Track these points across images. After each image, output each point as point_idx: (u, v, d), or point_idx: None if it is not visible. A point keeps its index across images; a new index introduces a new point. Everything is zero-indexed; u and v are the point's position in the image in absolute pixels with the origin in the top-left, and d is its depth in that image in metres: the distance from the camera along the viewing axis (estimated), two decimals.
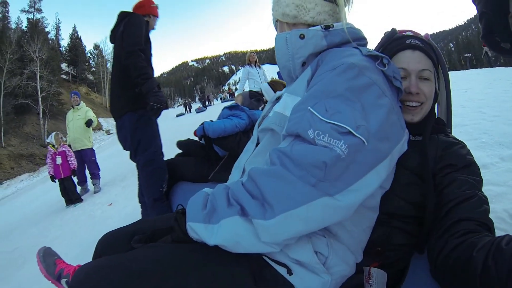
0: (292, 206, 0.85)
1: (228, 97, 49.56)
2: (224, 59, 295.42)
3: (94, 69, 55.32)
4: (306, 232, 0.90)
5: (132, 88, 2.78)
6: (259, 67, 7.67)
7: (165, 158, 2.99)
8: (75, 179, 6.97)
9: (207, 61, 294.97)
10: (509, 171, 2.82)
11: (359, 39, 1.20)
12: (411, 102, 1.29)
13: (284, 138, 1.02)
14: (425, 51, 1.30)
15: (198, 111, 31.86)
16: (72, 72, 49.98)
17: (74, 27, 56.23)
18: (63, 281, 1.70)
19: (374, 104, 0.95)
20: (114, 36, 3.00)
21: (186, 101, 50.77)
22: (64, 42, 54.53)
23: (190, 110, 38.59)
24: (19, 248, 4.83)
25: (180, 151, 3.10)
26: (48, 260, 1.78)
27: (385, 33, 1.47)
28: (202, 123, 2.83)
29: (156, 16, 3.26)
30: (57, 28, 51.51)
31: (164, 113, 3.04)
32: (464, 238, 0.94)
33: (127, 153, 3.11)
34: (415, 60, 1.29)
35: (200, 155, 2.94)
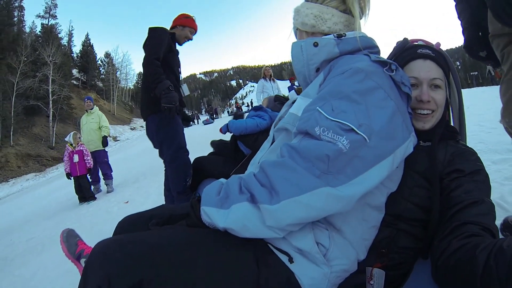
0: (297, 193, 0.92)
1: (236, 110, 50.10)
2: (232, 73, 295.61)
3: (103, 76, 55.96)
4: (307, 219, 0.96)
5: (151, 91, 3.10)
6: (273, 81, 8.46)
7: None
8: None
9: (215, 74, 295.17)
10: (498, 171, 3.15)
11: (371, 47, 1.26)
12: (423, 110, 1.33)
13: (295, 136, 1.10)
14: (436, 60, 1.34)
15: (206, 122, 32.37)
16: (83, 78, 50.61)
17: (87, 35, 56.97)
18: (82, 260, 1.80)
19: (378, 106, 1.01)
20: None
21: (193, 113, 51.25)
22: (76, 48, 54.95)
23: (198, 122, 38.93)
24: (35, 238, 5.00)
25: (213, 150, 3.45)
26: (70, 240, 1.87)
27: (397, 43, 1.52)
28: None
29: (185, 26, 3.53)
30: (70, 35, 52.33)
31: None
32: (467, 240, 0.95)
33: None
34: (426, 69, 1.33)
35: (229, 155, 3.23)
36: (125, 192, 6.92)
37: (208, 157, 3.35)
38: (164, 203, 3.36)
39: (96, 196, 7.13)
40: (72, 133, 7.14)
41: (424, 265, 1.16)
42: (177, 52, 3.55)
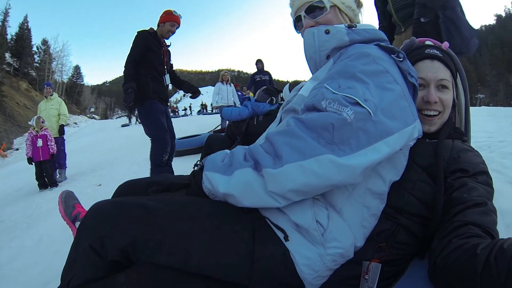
0: (300, 158, 0.93)
1: (172, 114, 50.01)
2: None
3: (38, 65, 51.64)
4: (309, 186, 0.95)
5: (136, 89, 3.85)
6: (230, 85, 9.40)
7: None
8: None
9: None
10: None
11: (380, 40, 1.28)
12: (429, 111, 1.35)
13: (302, 112, 1.12)
14: (443, 61, 1.37)
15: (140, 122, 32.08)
16: (15, 64, 46.20)
17: (26, 17, 52.22)
18: (77, 223, 1.81)
19: (384, 87, 1.04)
20: None
21: (128, 114, 50.38)
22: (12, 30, 50.45)
23: (137, 121, 38.21)
24: (5, 221, 4.90)
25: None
26: (68, 202, 1.89)
27: (404, 42, 1.54)
28: None
29: (164, 22, 4.15)
30: (6, 13, 47.14)
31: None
32: (468, 240, 0.94)
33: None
34: (434, 69, 1.35)
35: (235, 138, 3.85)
36: (90, 178, 6.93)
37: (217, 137, 3.89)
38: None
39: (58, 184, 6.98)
40: (35, 117, 6.95)
41: (418, 266, 1.17)
42: (168, 47, 4.34)
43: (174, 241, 0.96)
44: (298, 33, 1.47)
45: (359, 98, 0.97)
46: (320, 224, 1.04)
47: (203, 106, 55.87)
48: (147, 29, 4.14)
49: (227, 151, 1.15)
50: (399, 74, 1.12)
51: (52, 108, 7.55)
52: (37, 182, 6.73)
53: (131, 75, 3.84)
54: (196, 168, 1.21)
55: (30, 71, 49.16)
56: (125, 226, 0.96)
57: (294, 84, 3.28)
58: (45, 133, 6.85)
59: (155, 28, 4.20)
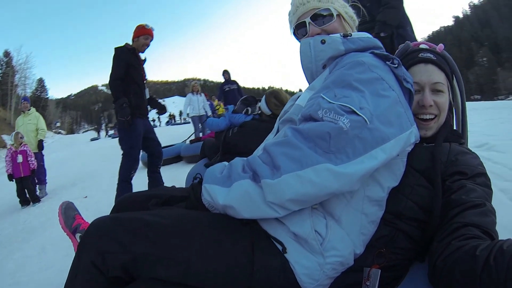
0: (298, 168, 0.94)
1: None
2: None
3: (0, 78, 49.59)
4: (307, 196, 0.96)
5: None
6: (200, 95, 9.74)
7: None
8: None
9: None
10: None
11: (375, 48, 1.31)
12: (425, 115, 1.35)
13: (300, 123, 1.14)
14: (437, 64, 1.37)
15: (114, 136, 31.78)
16: None
17: None
18: (78, 235, 1.82)
19: (379, 94, 1.05)
20: None
21: (107, 125, 49.45)
22: None
23: (106, 135, 37.87)
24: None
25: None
26: (68, 213, 1.88)
27: (399, 47, 1.55)
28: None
29: (138, 36, 4.35)
30: None
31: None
32: (467, 242, 0.94)
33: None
34: (428, 73, 1.36)
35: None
36: (73, 191, 6.94)
37: (212, 141, 4.08)
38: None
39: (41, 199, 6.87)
40: (14, 132, 6.86)
41: (419, 269, 1.19)
42: (143, 61, 4.49)
43: (173, 255, 0.98)
44: (297, 40, 1.46)
45: (354, 107, 0.99)
46: (319, 234, 1.05)
47: (171, 117, 55.58)
48: (122, 45, 4.29)
49: (226, 163, 1.16)
50: (394, 81, 1.13)
51: (30, 123, 7.44)
52: (19, 199, 6.59)
53: (120, 91, 4.05)
54: (195, 181, 1.23)
55: None
56: (126, 241, 0.97)
57: (271, 94, 3.41)
58: (25, 148, 6.75)
59: (130, 43, 4.36)
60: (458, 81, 1.49)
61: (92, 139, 30.97)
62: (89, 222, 1.66)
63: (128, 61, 4.16)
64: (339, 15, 1.39)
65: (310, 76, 1.37)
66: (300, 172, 0.94)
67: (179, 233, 1.01)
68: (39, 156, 7.43)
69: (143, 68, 4.48)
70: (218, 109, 12.09)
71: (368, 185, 1.13)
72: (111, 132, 40.66)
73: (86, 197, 6.16)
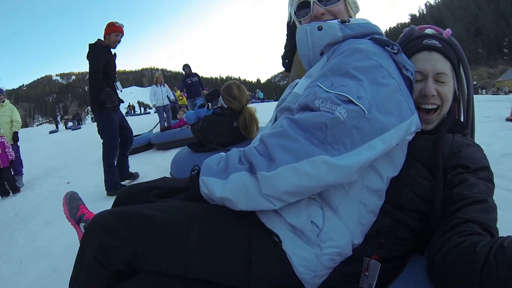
0: (294, 160, 0.93)
1: None
2: None
3: None
4: (303, 188, 0.96)
5: (96, 97, 4.62)
6: (163, 85, 10.29)
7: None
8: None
9: (73, 77, 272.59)
10: None
11: (375, 33, 1.25)
12: (427, 105, 1.31)
13: (297, 112, 1.11)
14: (442, 51, 1.31)
15: (74, 128, 31.63)
16: None
17: None
18: (82, 225, 1.83)
19: (378, 82, 1.02)
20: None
21: (64, 117, 47.98)
22: None
23: (66, 127, 36.94)
24: None
25: None
26: (73, 203, 1.89)
27: (404, 31, 1.50)
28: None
29: (109, 33, 4.81)
30: None
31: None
32: (467, 238, 0.94)
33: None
34: (432, 61, 1.30)
35: None
36: (51, 180, 7.15)
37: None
38: None
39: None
40: None
41: (417, 262, 1.16)
42: (114, 56, 4.98)
43: (173, 248, 0.99)
44: (298, 20, 1.44)
45: (352, 96, 0.96)
46: (316, 225, 1.05)
47: (130, 107, 54.60)
48: (95, 42, 4.79)
49: (223, 154, 1.16)
50: (394, 68, 1.10)
51: (5, 115, 7.46)
52: None
53: (103, 83, 4.56)
54: (193, 172, 1.23)
55: None
56: (127, 236, 0.99)
57: (224, 90, 3.67)
58: (2, 140, 6.84)
59: (102, 39, 4.83)
60: (465, 70, 1.43)
61: (51, 132, 30.03)
62: (92, 212, 1.77)
63: (105, 58, 4.69)
64: None
65: (308, 63, 1.36)
66: (296, 164, 0.93)
67: (178, 227, 1.02)
68: (15, 148, 7.47)
69: (115, 63, 5.02)
70: (180, 99, 12.71)
71: (367, 175, 1.12)
72: (70, 124, 39.79)
73: (68, 182, 6.47)
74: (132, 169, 5.62)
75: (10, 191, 6.78)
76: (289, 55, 4.77)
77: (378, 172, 1.14)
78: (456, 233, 0.98)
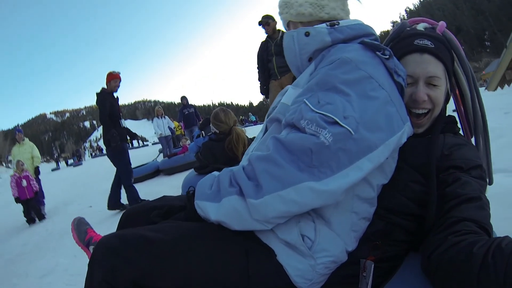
0: (279, 188, 0.94)
1: (98, 153, 53.18)
2: (85, 113, 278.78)
3: None
4: (291, 213, 0.99)
5: (106, 135, 5.74)
6: (164, 117, 11.59)
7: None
8: None
9: (67, 114, 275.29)
10: None
11: (367, 35, 1.22)
12: (418, 110, 1.26)
13: (284, 128, 1.10)
14: (434, 53, 1.23)
15: (75, 164, 32.74)
16: None
17: None
18: (91, 247, 1.85)
19: (367, 96, 0.99)
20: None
21: (61, 155, 48.79)
22: None
23: (67, 164, 37.92)
24: (28, 244, 5.74)
25: None
26: (81, 228, 1.93)
27: (394, 26, 1.43)
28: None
29: (109, 82, 5.90)
30: None
31: None
32: (464, 237, 0.92)
33: None
34: (423, 64, 1.23)
35: None
36: (72, 210, 7.90)
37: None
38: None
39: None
40: (15, 161, 7.86)
41: (413, 258, 1.17)
42: (117, 99, 6.09)
43: (175, 267, 1.02)
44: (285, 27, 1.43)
45: (337, 117, 0.94)
46: (308, 238, 1.06)
47: (128, 141, 55.32)
48: (100, 90, 5.85)
49: (216, 173, 1.17)
50: (384, 75, 1.07)
51: (26, 152, 8.44)
52: (26, 218, 7.56)
53: (110, 125, 5.68)
54: (190, 192, 1.25)
55: None
56: (132, 259, 1.02)
57: (212, 117, 3.98)
58: (27, 174, 7.74)
59: (106, 87, 5.93)
60: (462, 64, 1.35)
61: (53, 169, 30.79)
62: (100, 234, 1.82)
63: (110, 102, 5.75)
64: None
65: (297, 70, 1.33)
66: (282, 192, 0.94)
67: (179, 248, 1.05)
68: (37, 181, 8.39)
69: (118, 104, 6.09)
70: (177, 130, 13.64)
71: (357, 185, 1.07)
72: (70, 161, 40.62)
73: (91, 206, 7.39)
74: (146, 189, 6.67)
75: (36, 219, 7.65)
76: (265, 83, 6.03)
77: (368, 182, 1.11)
78: (452, 232, 0.97)
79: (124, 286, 1.02)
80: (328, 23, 1.22)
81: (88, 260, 1.13)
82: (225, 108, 4.06)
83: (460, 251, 0.88)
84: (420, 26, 1.36)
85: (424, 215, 1.15)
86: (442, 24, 1.33)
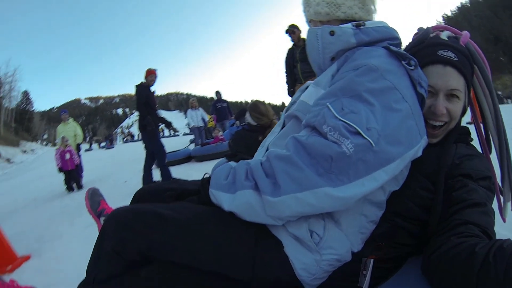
0: (297, 190, 0.96)
1: (129, 139, 56.34)
2: (118, 101, 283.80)
3: None
4: (305, 213, 1.01)
5: (142, 121, 6.66)
6: (198, 109, 12.21)
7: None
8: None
9: (101, 101, 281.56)
10: None
11: (391, 39, 1.21)
12: (435, 122, 1.25)
13: (304, 128, 1.10)
14: (457, 66, 1.21)
15: (108, 147, 35.42)
16: None
17: None
18: (102, 219, 1.91)
19: (390, 108, 0.98)
20: None
21: (93, 138, 50.64)
22: None
23: (99, 146, 40.66)
24: (69, 206, 6.73)
25: None
26: (94, 198, 1.98)
27: (418, 31, 1.41)
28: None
29: (146, 77, 6.80)
30: None
31: None
32: (466, 239, 0.93)
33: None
34: (445, 77, 1.22)
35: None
36: (108, 181, 8.96)
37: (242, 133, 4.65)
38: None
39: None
40: (61, 137, 8.98)
41: (415, 261, 1.17)
42: (153, 93, 6.90)
43: (185, 245, 1.06)
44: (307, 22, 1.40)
45: (361, 128, 0.94)
46: (316, 234, 1.08)
47: (160, 130, 56.58)
48: (139, 83, 6.70)
49: (232, 164, 1.20)
50: (408, 87, 1.05)
51: (70, 130, 9.64)
52: (66, 186, 8.74)
53: (145, 113, 6.58)
54: (205, 177, 1.28)
55: None
56: (143, 232, 1.06)
57: (251, 109, 3.94)
58: (70, 148, 8.84)
59: (144, 81, 6.79)
60: (485, 78, 1.31)
61: (86, 150, 32.21)
62: (112, 207, 1.91)
63: (146, 93, 6.64)
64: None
65: (318, 68, 1.32)
66: (299, 194, 0.96)
67: (191, 227, 1.09)
68: (78, 156, 9.49)
69: (154, 97, 6.94)
70: (209, 122, 14.30)
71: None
72: (103, 144, 42.52)
73: (126, 181, 8.36)
74: (178, 171, 7.62)
75: (75, 188, 8.81)
76: (291, 86, 6.82)
77: (382, 187, 1.11)
78: (455, 233, 0.98)
79: (132, 258, 1.08)
80: (354, 23, 1.19)
81: (98, 230, 1.17)
82: (263, 101, 4.11)
83: (461, 251, 0.88)
84: (444, 35, 1.33)
85: (428, 221, 1.15)
86: (465, 35, 1.30)
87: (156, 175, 7.07)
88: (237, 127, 5.01)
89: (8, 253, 3.78)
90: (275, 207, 0.99)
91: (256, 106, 3.89)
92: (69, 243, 4.24)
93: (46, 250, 4.13)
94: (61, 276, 3.15)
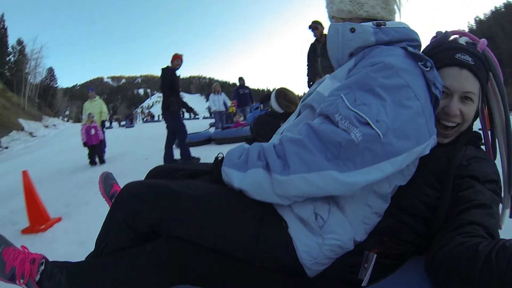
0: (305, 171, 0.99)
1: (149, 119, 56.82)
2: (140, 81, 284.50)
3: (13, 66, 49.56)
4: (311, 194, 1.04)
5: (165, 102, 7.04)
6: (220, 94, 12.33)
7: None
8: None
9: (123, 80, 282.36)
10: None
11: (410, 40, 1.22)
12: (448, 122, 1.27)
13: (318, 116, 1.14)
14: (474, 70, 1.23)
15: (128, 126, 35.93)
16: None
17: (2, 16, 49.57)
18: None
19: (401, 104, 1.01)
20: None
21: (113, 117, 51.16)
22: None
23: (119, 125, 41.50)
24: (93, 178, 6.98)
25: None
26: (107, 182, 2.04)
27: (436, 33, 1.43)
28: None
29: (172, 61, 7.22)
30: None
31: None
32: (471, 239, 0.93)
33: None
34: (461, 79, 1.23)
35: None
36: (127, 159, 9.33)
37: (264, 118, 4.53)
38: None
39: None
40: (87, 113, 9.41)
41: (417, 260, 1.16)
42: (178, 77, 7.27)
43: (193, 219, 1.11)
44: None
45: (370, 119, 0.97)
46: (321, 217, 1.10)
47: (181, 113, 57.00)
48: (165, 66, 7.13)
49: (246, 145, 1.23)
50: (422, 86, 1.07)
51: (96, 107, 10.03)
52: (89, 160, 9.18)
53: (169, 93, 6.94)
54: (218, 157, 1.30)
55: (5, 71, 47.90)
56: (154, 204, 1.11)
57: (280, 96, 3.86)
58: (95, 125, 9.27)
59: (170, 65, 7.20)
60: (498, 85, 1.32)
61: (107, 128, 32.66)
62: None
63: (171, 76, 7.04)
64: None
65: (336, 62, 1.35)
66: (306, 175, 0.99)
67: (199, 202, 1.13)
68: (102, 132, 9.90)
69: (178, 80, 7.29)
70: (230, 107, 14.52)
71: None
72: (123, 122, 43.13)
73: (146, 158, 8.72)
74: (197, 152, 7.90)
75: (98, 162, 9.25)
76: (312, 79, 7.08)
77: (388, 179, 1.14)
78: (460, 233, 0.98)
79: (142, 229, 1.12)
80: (374, 22, 1.21)
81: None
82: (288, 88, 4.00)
83: (465, 250, 0.88)
84: (462, 40, 1.35)
85: (433, 219, 1.16)
86: (483, 42, 1.31)
87: (177, 154, 7.41)
88: (261, 111, 5.11)
89: (42, 214, 4.19)
90: (283, 186, 1.02)
91: (285, 94, 3.82)
92: (96, 208, 4.54)
93: (75, 214, 4.52)
94: (93, 234, 3.28)
